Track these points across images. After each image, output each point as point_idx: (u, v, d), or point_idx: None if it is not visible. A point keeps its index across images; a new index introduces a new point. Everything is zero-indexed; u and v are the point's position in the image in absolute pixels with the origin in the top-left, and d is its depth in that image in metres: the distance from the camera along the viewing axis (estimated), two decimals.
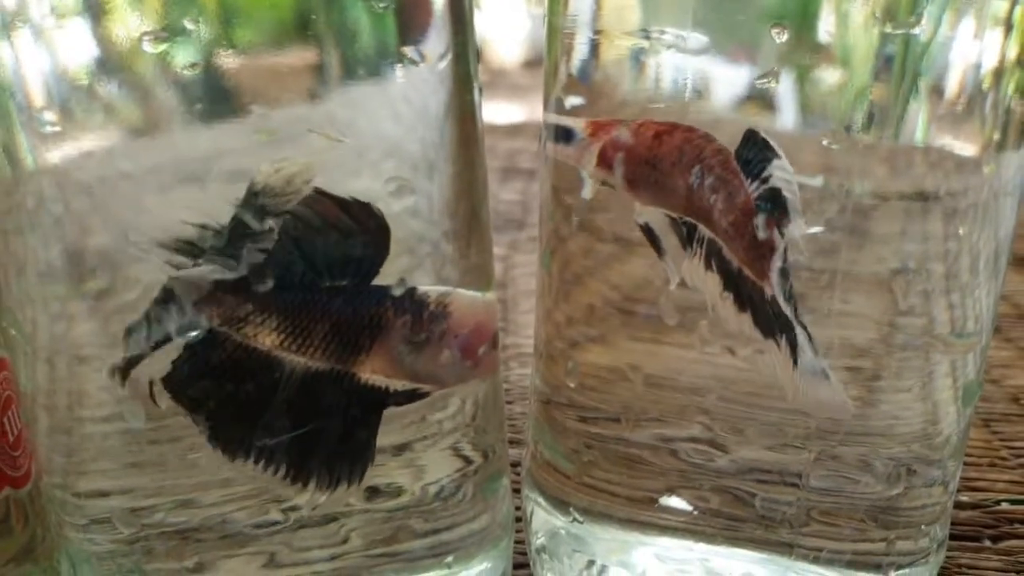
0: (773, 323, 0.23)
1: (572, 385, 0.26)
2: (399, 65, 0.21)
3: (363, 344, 0.21)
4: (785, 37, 0.22)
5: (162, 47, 0.19)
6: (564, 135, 0.25)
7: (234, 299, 0.20)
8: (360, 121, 0.21)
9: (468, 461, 0.24)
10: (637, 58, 0.24)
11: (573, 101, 0.25)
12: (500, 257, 0.56)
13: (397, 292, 0.21)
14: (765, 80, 0.22)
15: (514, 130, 0.94)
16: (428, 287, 0.22)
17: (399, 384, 0.22)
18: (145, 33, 0.19)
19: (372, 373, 0.21)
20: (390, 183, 0.22)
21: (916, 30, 0.21)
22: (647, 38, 0.23)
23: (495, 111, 1.09)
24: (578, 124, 0.24)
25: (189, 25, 0.19)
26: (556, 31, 0.25)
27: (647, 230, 0.24)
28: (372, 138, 0.22)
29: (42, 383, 0.22)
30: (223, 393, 0.21)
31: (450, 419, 0.24)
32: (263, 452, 0.21)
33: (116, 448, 0.22)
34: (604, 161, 0.24)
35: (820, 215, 0.22)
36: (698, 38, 0.22)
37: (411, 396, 0.22)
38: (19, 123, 0.20)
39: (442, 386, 0.22)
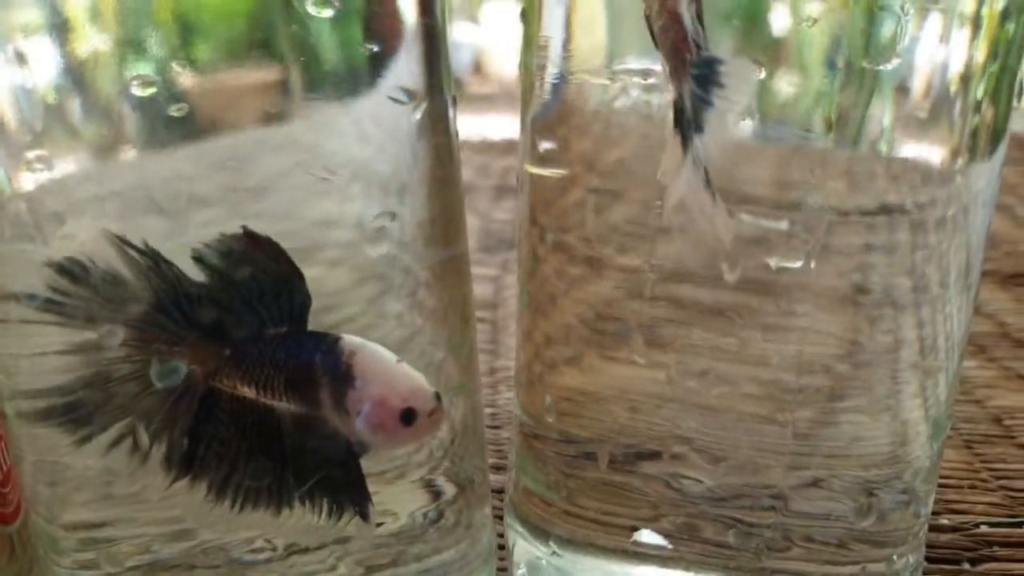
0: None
1: (551, 419, 0.27)
2: (370, 83, 0.22)
3: (313, 395, 0.21)
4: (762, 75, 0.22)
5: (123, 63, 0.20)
6: None
7: (205, 349, 0.21)
8: (328, 143, 0.22)
9: (442, 492, 0.25)
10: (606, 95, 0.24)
11: (546, 146, 0.25)
12: (491, 278, 0.57)
13: (324, 345, 0.21)
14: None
15: (509, 148, 0.95)
16: (348, 338, 0.21)
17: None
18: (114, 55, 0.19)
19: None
20: (359, 206, 0.22)
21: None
22: (614, 75, 0.23)
23: (493, 125, 1.10)
24: None
25: (155, 48, 0.20)
26: (529, 70, 0.25)
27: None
28: (341, 160, 0.22)
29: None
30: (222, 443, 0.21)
31: (426, 450, 0.24)
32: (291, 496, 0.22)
33: (101, 481, 0.22)
34: None
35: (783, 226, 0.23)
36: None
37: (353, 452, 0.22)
38: None
39: (363, 449, 0.22)
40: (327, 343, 0.21)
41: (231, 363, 0.21)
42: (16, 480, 0.25)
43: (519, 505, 0.28)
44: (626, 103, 0.24)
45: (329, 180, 0.21)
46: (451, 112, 0.24)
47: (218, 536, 0.22)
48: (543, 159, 0.26)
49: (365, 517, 0.22)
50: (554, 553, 0.27)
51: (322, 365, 0.21)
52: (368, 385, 0.21)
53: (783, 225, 0.22)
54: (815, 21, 0.22)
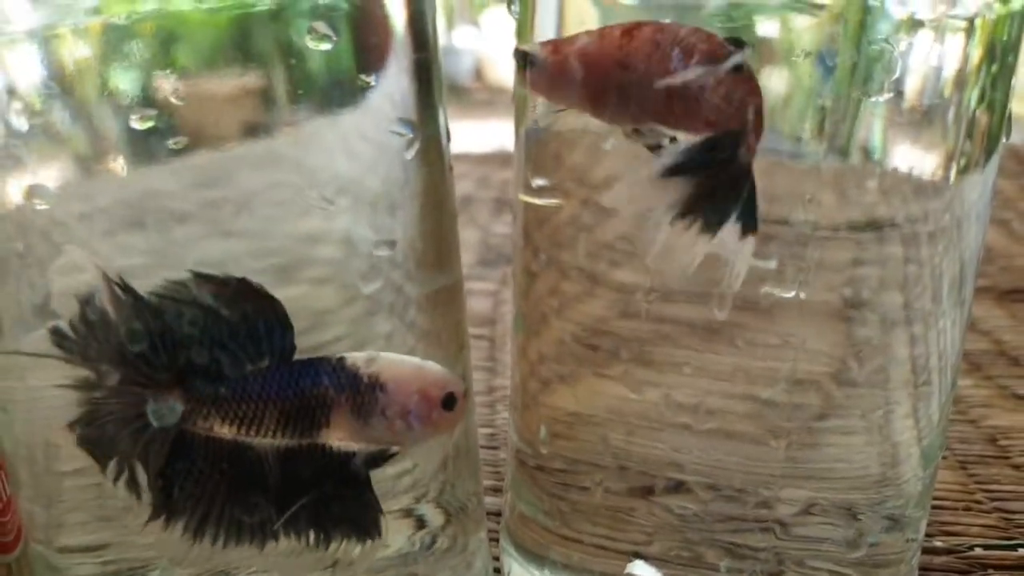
0: None
1: (545, 451, 0.27)
2: (360, 96, 0.22)
3: (320, 420, 0.21)
4: None
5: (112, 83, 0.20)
6: (523, 59, 0.24)
7: (186, 395, 0.21)
8: (317, 158, 0.22)
9: (428, 521, 0.25)
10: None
11: (540, 183, 0.26)
12: (490, 292, 0.57)
13: (330, 366, 0.21)
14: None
15: (507, 161, 0.94)
16: (356, 354, 0.22)
17: (368, 447, 0.22)
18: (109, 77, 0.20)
19: (339, 440, 0.22)
20: (346, 219, 0.22)
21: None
22: None
23: (492, 134, 1.10)
24: (537, 48, 0.23)
25: (151, 74, 0.20)
26: (523, 103, 0.26)
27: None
28: (328, 175, 0.22)
29: (21, 439, 0.22)
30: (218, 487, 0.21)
31: (418, 474, 0.24)
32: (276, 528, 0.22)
33: (97, 505, 0.22)
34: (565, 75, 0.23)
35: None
36: None
37: (383, 456, 0.22)
38: None
39: (405, 446, 0.23)
40: (329, 365, 0.21)
41: (208, 405, 0.21)
42: (15, 509, 0.25)
43: (514, 530, 0.29)
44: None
45: (322, 200, 0.22)
46: (445, 144, 0.24)
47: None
48: (537, 191, 0.26)
49: (378, 531, 0.22)
50: None
51: (336, 384, 0.21)
52: (402, 384, 0.22)
53: (772, 264, 0.22)
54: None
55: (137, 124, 0.20)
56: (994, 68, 0.22)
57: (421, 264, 0.24)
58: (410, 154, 0.23)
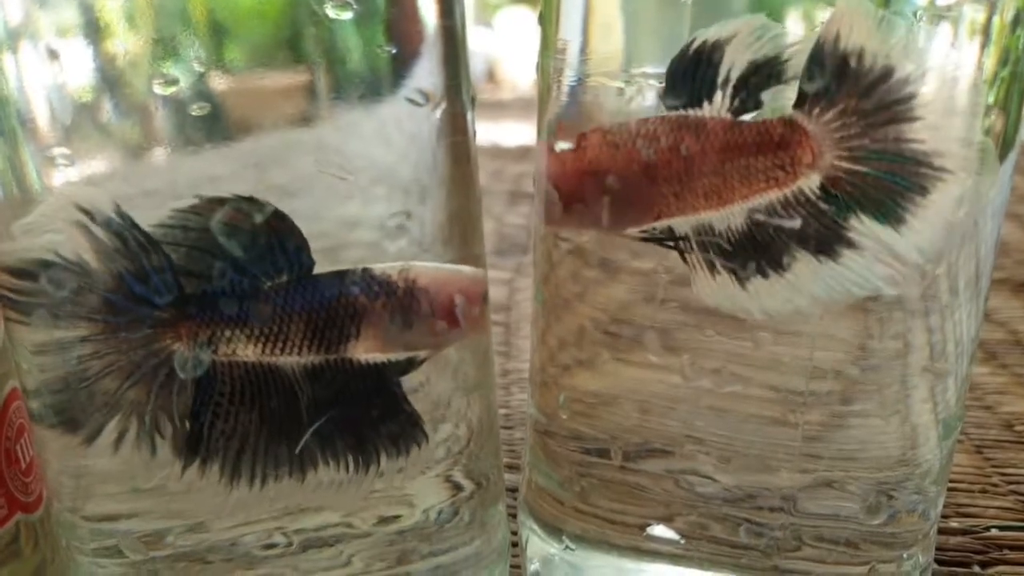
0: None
1: (565, 416, 0.27)
2: (392, 87, 0.22)
3: (350, 331, 0.21)
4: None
5: (154, 63, 0.20)
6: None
7: (209, 321, 0.20)
8: (352, 146, 0.22)
9: (461, 488, 0.25)
10: (623, 96, 0.24)
11: (563, 146, 0.26)
12: (504, 281, 0.57)
13: (358, 276, 0.21)
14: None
15: (523, 154, 0.95)
16: (384, 264, 0.21)
17: (396, 356, 0.22)
18: (145, 55, 0.20)
19: (366, 353, 0.21)
20: (380, 207, 0.22)
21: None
22: (631, 79, 0.24)
23: (507, 132, 1.10)
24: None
25: (185, 50, 0.20)
26: (546, 74, 0.26)
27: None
28: (364, 163, 0.22)
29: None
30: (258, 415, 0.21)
31: (444, 445, 0.24)
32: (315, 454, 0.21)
33: (123, 472, 0.22)
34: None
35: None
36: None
37: (411, 363, 0.22)
38: (25, 143, 0.20)
39: (437, 349, 0.23)
40: (356, 275, 0.21)
41: (229, 328, 0.20)
42: (38, 469, 0.25)
43: (532, 502, 0.29)
44: (642, 106, 0.24)
45: (350, 181, 0.22)
46: (469, 114, 0.24)
47: (233, 530, 0.23)
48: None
49: (423, 437, 0.22)
50: (567, 548, 0.27)
51: (368, 291, 0.21)
52: (443, 286, 0.22)
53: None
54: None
55: (160, 89, 0.20)
56: (1007, 70, 0.22)
57: (448, 234, 0.24)
58: (436, 116, 0.23)
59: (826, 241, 0.22)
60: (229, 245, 0.20)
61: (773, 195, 0.22)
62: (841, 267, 0.22)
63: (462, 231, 0.24)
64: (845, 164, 0.22)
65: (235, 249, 0.20)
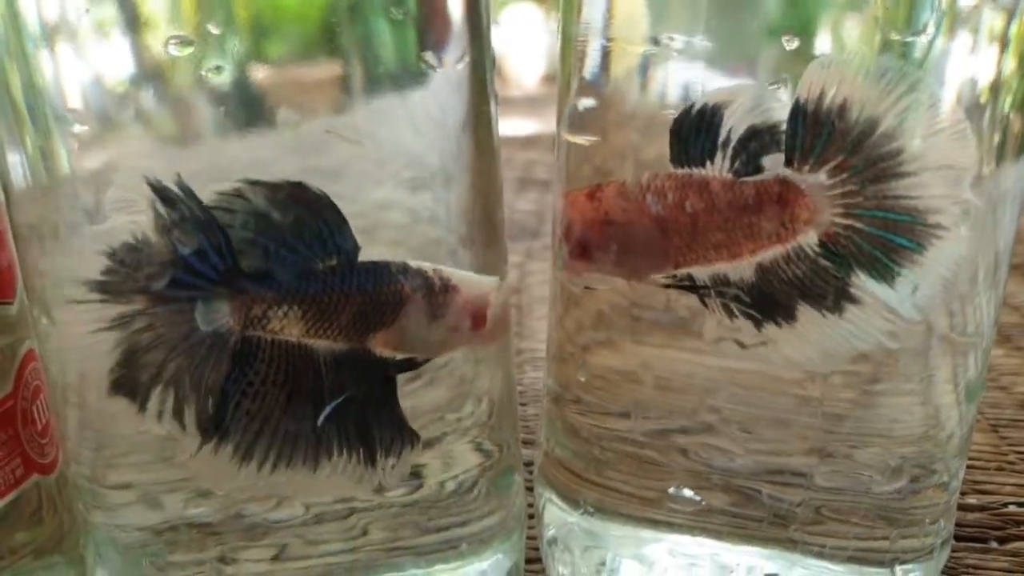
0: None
1: (583, 379, 0.27)
2: (418, 73, 0.22)
3: (383, 320, 0.21)
4: (795, 44, 0.22)
5: (187, 51, 0.20)
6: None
7: (254, 298, 0.21)
8: (379, 130, 0.22)
9: (486, 455, 0.25)
10: (647, 65, 0.24)
11: (586, 103, 0.25)
12: (515, 264, 0.57)
13: (402, 268, 0.21)
14: (775, 87, 0.23)
15: (530, 142, 0.95)
16: (416, 263, 0.22)
17: (400, 355, 0.22)
18: (172, 38, 0.19)
19: (382, 347, 0.22)
20: (407, 189, 0.22)
21: (922, 37, 0.21)
22: (657, 45, 0.24)
23: (512, 125, 1.10)
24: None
25: (218, 36, 0.20)
26: (569, 39, 0.26)
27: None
28: (390, 147, 0.22)
29: (72, 378, 0.22)
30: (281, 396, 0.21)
31: (468, 417, 0.24)
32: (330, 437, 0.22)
33: (141, 442, 0.22)
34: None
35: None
36: (707, 45, 0.23)
37: (412, 365, 0.22)
38: (56, 129, 0.20)
39: (450, 351, 0.23)
40: (398, 267, 0.21)
41: (277, 306, 0.21)
42: (53, 431, 0.25)
43: (548, 472, 0.29)
44: (666, 72, 0.24)
45: (382, 165, 0.22)
46: (490, 74, 0.24)
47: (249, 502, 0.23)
48: (582, 130, 0.26)
49: (415, 438, 0.23)
50: (585, 512, 0.27)
51: (411, 283, 0.21)
52: (472, 288, 0.22)
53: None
54: None
55: (175, 50, 0.20)
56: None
57: (471, 216, 0.24)
58: (460, 67, 0.23)
59: (827, 296, 0.23)
60: (283, 226, 0.20)
61: (777, 250, 0.23)
62: (844, 321, 0.23)
63: (484, 208, 0.24)
64: (842, 220, 0.22)
65: (288, 230, 0.20)
